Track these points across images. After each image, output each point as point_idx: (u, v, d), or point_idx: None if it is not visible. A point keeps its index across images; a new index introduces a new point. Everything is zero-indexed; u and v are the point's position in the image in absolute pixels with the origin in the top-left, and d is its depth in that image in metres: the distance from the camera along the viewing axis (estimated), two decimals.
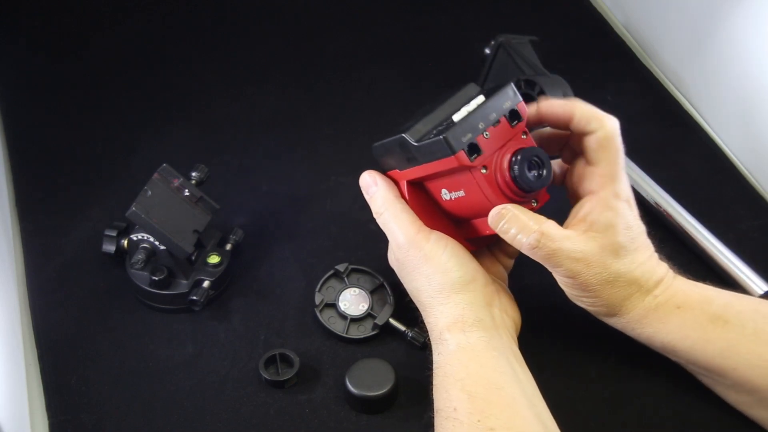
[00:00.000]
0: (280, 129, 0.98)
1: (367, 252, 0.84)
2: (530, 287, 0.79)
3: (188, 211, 0.77)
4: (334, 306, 0.78)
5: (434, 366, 0.66)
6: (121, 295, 0.79)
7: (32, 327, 0.77)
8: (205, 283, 0.77)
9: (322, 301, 0.78)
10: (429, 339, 0.70)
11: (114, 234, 0.79)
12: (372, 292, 0.78)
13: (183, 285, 0.77)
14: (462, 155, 0.63)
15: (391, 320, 0.76)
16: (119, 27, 1.12)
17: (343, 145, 0.96)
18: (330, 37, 1.11)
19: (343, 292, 0.78)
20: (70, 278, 0.81)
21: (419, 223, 0.69)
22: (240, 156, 0.94)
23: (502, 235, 0.65)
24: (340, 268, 0.79)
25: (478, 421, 0.59)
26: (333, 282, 0.80)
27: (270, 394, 0.72)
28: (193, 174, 0.80)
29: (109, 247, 0.79)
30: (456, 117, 0.65)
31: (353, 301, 0.78)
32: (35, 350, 0.76)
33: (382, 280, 0.79)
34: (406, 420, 0.71)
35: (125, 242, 0.78)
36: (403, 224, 0.69)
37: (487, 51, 0.97)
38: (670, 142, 0.98)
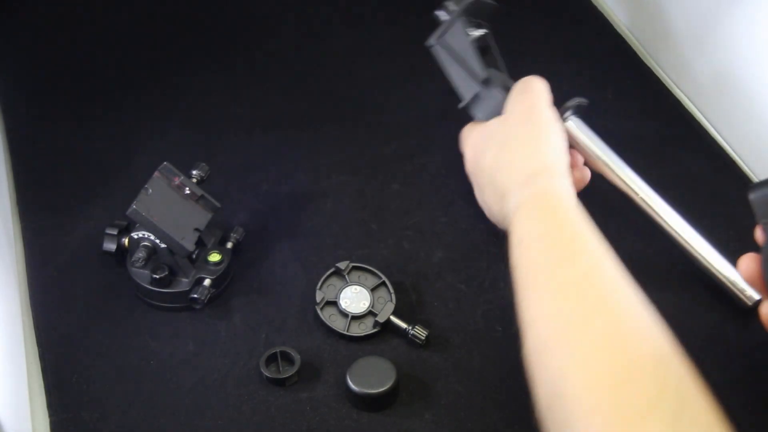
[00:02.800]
0: (281, 127, 0.98)
1: (368, 250, 0.84)
2: None
3: (189, 210, 0.77)
4: (335, 304, 0.78)
5: (519, 209, 0.67)
6: (121, 293, 0.79)
7: (33, 325, 0.77)
8: (206, 282, 0.77)
9: (323, 298, 0.77)
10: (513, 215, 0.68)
11: (115, 232, 0.79)
12: (373, 290, 0.78)
13: (184, 283, 0.77)
14: None
15: (393, 318, 0.76)
16: (120, 27, 1.12)
17: (344, 144, 0.96)
18: (330, 36, 1.11)
19: (344, 290, 0.78)
20: (71, 277, 0.81)
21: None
22: (241, 154, 0.94)
23: None
24: (341, 265, 0.79)
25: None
26: (334, 280, 0.80)
27: (271, 391, 0.72)
28: (194, 172, 0.80)
29: (110, 246, 0.79)
30: None
31: (354, 298, 0.78)
32: (36, 348, 0.76)
33: (383, 277, 0.79)
34: (407, 417, 0.71)
35: (126, 240, 0.78)
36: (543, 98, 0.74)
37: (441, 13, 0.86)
38: (671, 140, 0.98)
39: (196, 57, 1.08)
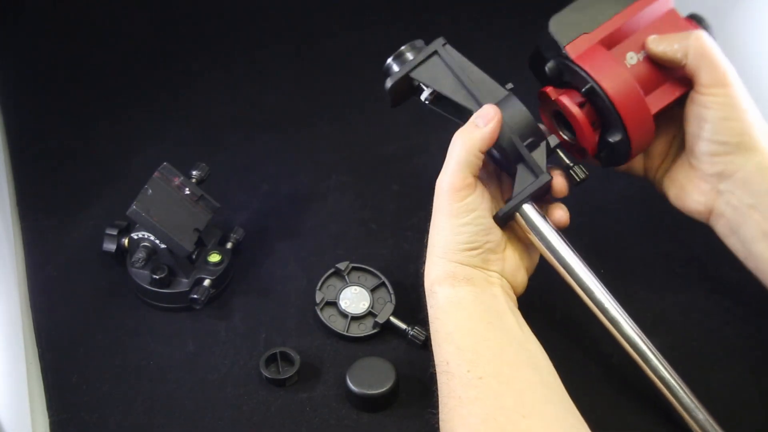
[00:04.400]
0: (280, 127, 0.98)
1: (368, 250, 0.84)
2: (530, 287, 0.79)
3: (189, 210, 0.77)
4: (334, 304, 0.78)
5: (429, 316, 0.67)
6: (121, 293, 0.79)
7: (33, 326, 0.77)
8: (206, 282, 0.77)
9: (323, 299, 0.78)
10: (424, 290, 0.69)
11: (115, 233, 0.79)
12: (373, 291, 0.79)
13: (184, 284, 0.77)
14: None
15: (392, 318, 0.76)
16: (120, 27, 1.12)
17: (344, 144, 0.96)
18: (330, 36, 1.11)
19: (343, 291, 0.78)
20: (70, 277, 0.81)
21: (471, 179, 0.67)
22: (240, 155, 0.94)
23: (667, 53, 0.67)
24: (341, 266, 0.79)
25: (468, 371, 0.61)
26: (334, 280, 0.80)
27: (271, 392, 0.72)
28: (194, 172, 0.80)
29: (110, 246, 0.79)
30: None
31: (354, 299, 0.78)
32: (36, 349, 0.76)
33: (383, 278, 0.79)
34: (406, 418, 0.71)
35: (126, 241, 0.78)
36: (459, 170, 0.67)
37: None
38: None
39: (196, 57, 1.08)
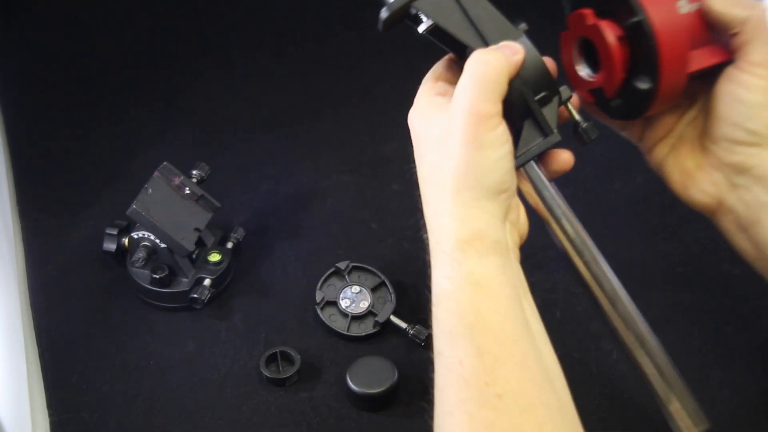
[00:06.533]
0: (280, 127, 0.98)
1: (368, 250, 0.84)
2: (531, 286, 0.79)
3: (189, 209, 0.77)
4: (335, 304, 0.78)
5: (437, 287, 0.55)
6: (122, 293, 0.80)
7: (33, 325, 0.77)
8: (206, 282, 0.77)
9: (323, 298, 0.78)
10: (427, 238, 0.57)
11: (115, 232, 0.79)
12: (373, 290, 0.78)
13: (184, 283, 0.77)
14: None
15: (393, 318, 0.76)
16: (120, 27, 1.12)
17: (344, 144, 0.96)
18: (330, 35, 1.11)
19: (344, 290, 0.78)
20: (71, 277, 0.81)
21: (500, 107, 0.56)
22: (241, 154, 0.94)
23: (725, 14, 0.59)
24: (341, 265, 0.79)
25: (486, 384, 0.52)
26: (334, 280, 0.80)
27: (271, 391, 0.72)
28: (194, 172, 0.80)
29: (110, 246, 0.79)
30: None
31: (354, 298, 0.78)
32: (36, 348, 0.76)
33: (383, 277, 0.79)
34: (407, 417, 0.71)
35: (126, 240, 0.78)
36: (491, 93, 0.56)
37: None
38: None
39: (196, 57, 1.08)
